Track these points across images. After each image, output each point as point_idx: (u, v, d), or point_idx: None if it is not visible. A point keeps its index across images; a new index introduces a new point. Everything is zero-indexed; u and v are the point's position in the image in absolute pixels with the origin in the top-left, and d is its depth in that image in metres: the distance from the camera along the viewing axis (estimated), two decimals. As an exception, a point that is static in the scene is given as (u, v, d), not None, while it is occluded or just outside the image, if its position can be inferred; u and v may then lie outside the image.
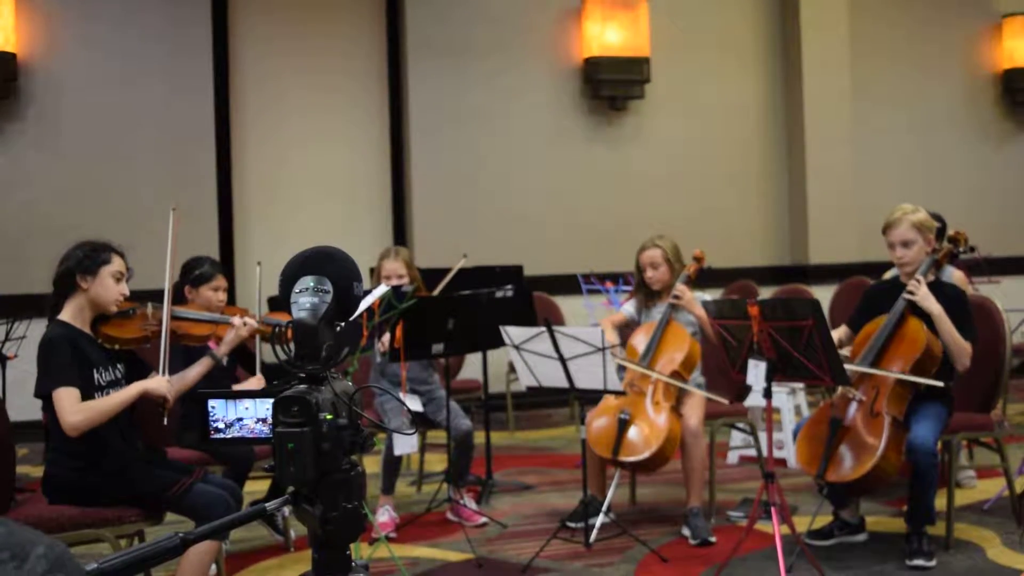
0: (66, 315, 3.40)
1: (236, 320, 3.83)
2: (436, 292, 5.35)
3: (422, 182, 8.20)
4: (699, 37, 8.86)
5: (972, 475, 5.33)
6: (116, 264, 3.43)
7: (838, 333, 4.22)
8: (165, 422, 3.45)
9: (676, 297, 4.77)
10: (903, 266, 4.26)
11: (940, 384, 4.01)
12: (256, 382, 4.07)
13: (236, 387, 4.00)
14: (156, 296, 3.61)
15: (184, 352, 4.05)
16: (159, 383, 3.44)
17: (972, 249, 4.61)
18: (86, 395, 3.31)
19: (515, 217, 8.33)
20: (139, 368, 3.60)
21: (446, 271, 5.58)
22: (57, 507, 3.31)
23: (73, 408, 3.24)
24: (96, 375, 3.37)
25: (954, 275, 5.08)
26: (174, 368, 3.63)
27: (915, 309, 4.15)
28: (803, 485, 5.22)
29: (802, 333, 3.76)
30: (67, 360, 3.28)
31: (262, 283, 4.22)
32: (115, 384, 3.46)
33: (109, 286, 3.41)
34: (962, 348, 4.06)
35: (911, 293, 4.12)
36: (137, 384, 3.43)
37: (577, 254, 8.19)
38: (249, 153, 8.09)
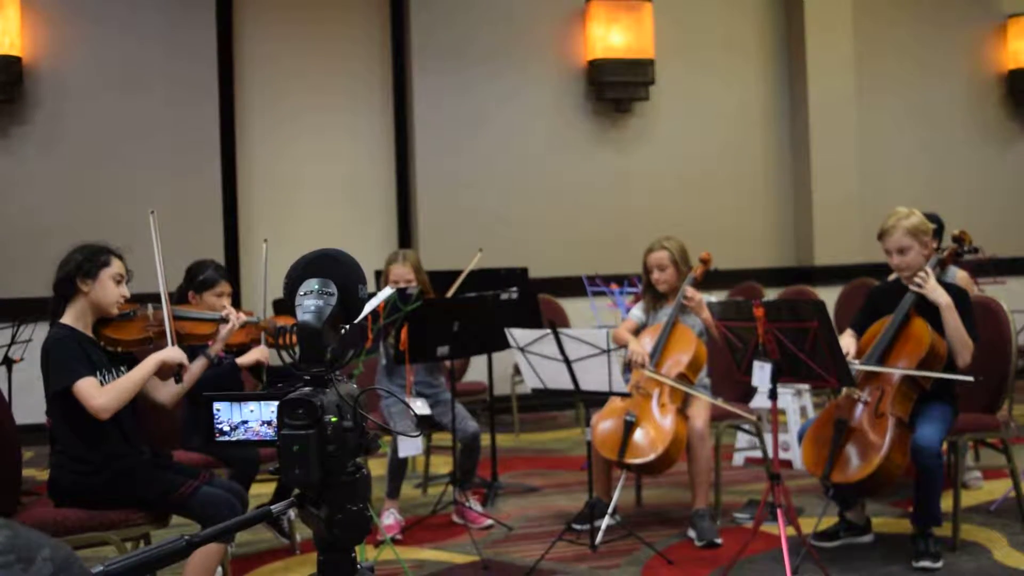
0: (68, 319, 3.40)
1: (227, 316, 3.82)
2: (455, 286, 5.39)
3: (427, 185, 8.20)
4: (703, 39, 8.86)
5: (978, 476, 5.32)
6: (116, 267, 3.44)
7: (846, 342, 4.19)
8: (183, 383, 3.49)
9: (687, 298, 4.76)
10: (902, 271, 4.26)
11: (948, 376, 4.01)
12: (259, 352, 4.11)
13: (240, 360, 4.04)
14: (157, 299, 3.61)
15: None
16: (172, 351, 3.46)
17: (976, 249, 4.59)
18: None
19: (520, 219, 8.33)
20: None
21: (451, 273, 5.59)
22: (63, 510, 3.31)
23: (97, 392, 3.25)
24: (99, 377, 3.37)
25: (958, 275, 5.07)
26: None
27: (920, 309, 4.14)
28: (809, 486, 5.21)
29: (807, 334, 3.75)
30: (76, 355, 3.30)
31: (267, 279, 4.19)
32: None
33: (110, 289, 3.41)
34: (965, 342, 4.06)
35: (919, 286, 4.12)
36: (152, 356, 3.43)
37: (582, 256, 8.19)
38: (254, 157, 8.10)
